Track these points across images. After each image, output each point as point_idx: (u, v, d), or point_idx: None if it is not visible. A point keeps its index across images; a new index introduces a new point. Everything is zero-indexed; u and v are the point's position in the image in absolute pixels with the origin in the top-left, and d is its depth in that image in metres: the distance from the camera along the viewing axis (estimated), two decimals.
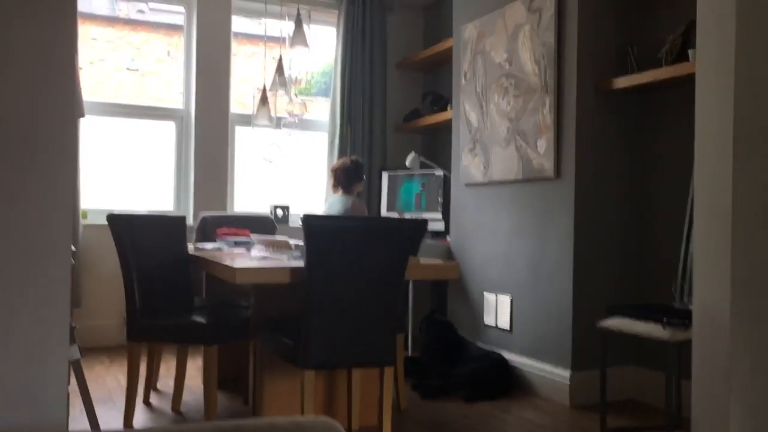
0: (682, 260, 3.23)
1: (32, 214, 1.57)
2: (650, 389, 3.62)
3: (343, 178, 4.35)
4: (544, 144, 3.79)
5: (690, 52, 3.26)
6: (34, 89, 1.58)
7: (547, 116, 3.77)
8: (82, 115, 3.28)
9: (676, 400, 3.21)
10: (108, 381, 3.87)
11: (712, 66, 2.54)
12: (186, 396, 3.58)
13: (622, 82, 3.57)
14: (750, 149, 2.49)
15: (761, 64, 2.51)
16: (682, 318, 2.84)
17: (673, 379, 3.09)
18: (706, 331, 2.53)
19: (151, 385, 3.56)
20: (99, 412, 3.23)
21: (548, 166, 3.76)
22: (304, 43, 4.09)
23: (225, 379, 3.74)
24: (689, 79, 3.10)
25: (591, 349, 3.56)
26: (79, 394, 2.70)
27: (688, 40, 3.36)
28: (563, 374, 3.64)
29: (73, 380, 2.79)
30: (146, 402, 3.50)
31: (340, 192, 4.39)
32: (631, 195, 3.78)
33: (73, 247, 2.89)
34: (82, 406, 2.63)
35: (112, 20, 5.20)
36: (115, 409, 3.34)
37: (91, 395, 3.21)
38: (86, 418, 2.65)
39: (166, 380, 3.88)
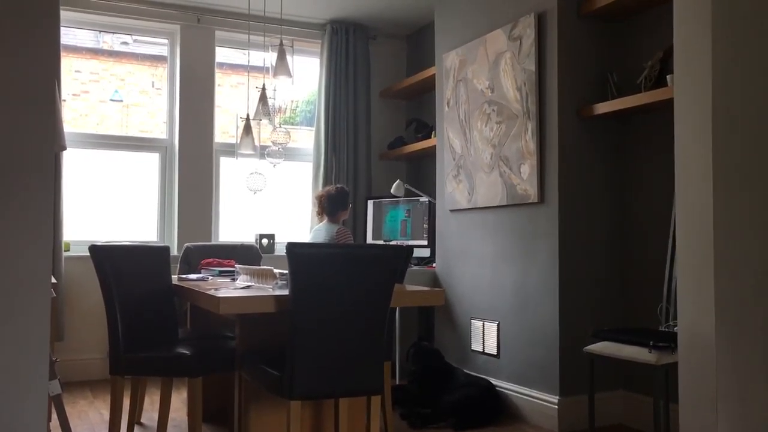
0: (667, 283, 3.24)
1: (10, 247, 1.56)
2: (639, 413, 3.61)
3: (328, 205, 4.36)
4: (527, 169, 3.82)
5: (668, 77, 3.32)
6: (12, 122, 1.57)
7: (529, 142, 3.80)
8: (64, 148, 3.26)
9: (665, 424, 3.19)
10: (91, 415, 3.80)
11: (689, 91, 2.57)
12: (171, 429, 3.52)
13: (602, 107, 3.61)
14: (729, 172, 2.52)
15: (737, 88, 2.55)
16: (668, 341, 2.85)
17: (661, 403, 3.09)
18: (691, 353, 2.53)
19: (134, 419, 3.50)
20: None
21: (532, 191, 3.78)
22: (287, 72, 4.11)
23: (211, 411, 3.68)
24: (668, 104, 3.14)
25: (579, 374, 3.55)
26: (60, 430, 2.65)
27: (666, 65, 3.42)
28: (551, 400, 3.62)
29: (55, 417, 2.74)
30: None
31: (325, 220, 4.39)
32: (614, 218, 3.81)
33: (54, 280, 2.85)
34: None
35: (96, 52, 5.21)
36: None
37: (75, 430, 3.16)
38: None
39: (150, 414, 3.82)
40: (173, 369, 3.02)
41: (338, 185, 4.54)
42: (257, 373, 2.73)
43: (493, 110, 4.10)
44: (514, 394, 3.87)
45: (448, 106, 4.58)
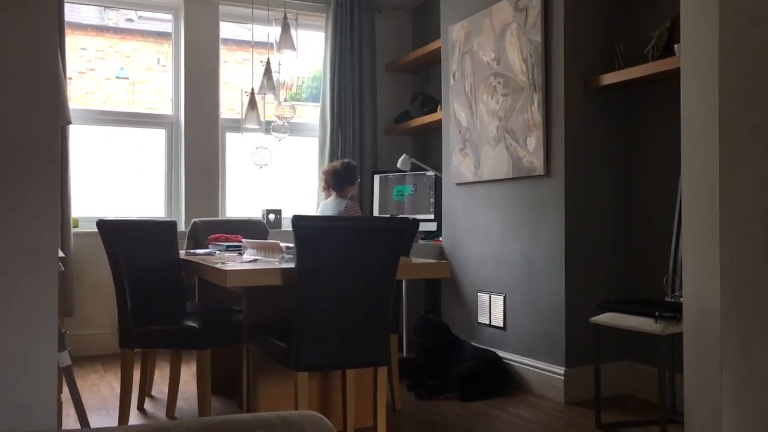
0: (673, 254, 3.24)
1: (17, 220, 1.57)
2: (644, 384, 3.63)
3: (333, 181, 4.35)
4: (533, 142, 3.80)
5: (675, 47, 3.28)
6: (15, 96, 1.58)
7: (535, 114, 3.78)
8: (69, 122, 3.27)
9: (670, 394, 3.21)
10: (102, 389, 3.86)
11: (696, 60, 2.55)
12: (180, 402, 3.57)
13: (609, 78, 3.58)
14: (736, 143, 2.51)
15: (745, 57, 2.52)
16: (674, 311, 2.86)
17: (667, 373, 3.10)
18: (696, 323, 2.54)
19: (145, 391, 3.55)
20: (93, 419, 3.22)
21: (538, 163, 3.77)
22: (292, 46, 4.10)
23: (220, 384, 3.73)
24: (675, 74, 3.11)
25: (584, 345, 3.57)
26: (71, 402, 2.69)
27: (673, 35, 3.38)
28: (557, 371, 3.65)
29: (66, 389, 2.78)
30: (140, 408, 3.49)
31: (333, 195, 4.38)
32: (620, 190, 3.80)
33: (62, 254, 2.88)
34: (76, 416, 2.62)
35: (101, 29, 5.20)
36: (110, 416, 3.33)
37: (86, 403, 3.21)
38: (79, 426, 2.64)
39: (160, 386, 3.87)
40: (182, 341, 3.06)
41: (345, 160, 4.53)
42: (264, 345, 2.76)
43: (499, 82, 4.07)
44: (520, 365, 3.90)
45: (453, 79, 4.55)
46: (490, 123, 4.16)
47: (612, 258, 3.77)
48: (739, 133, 2.51)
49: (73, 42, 4.98)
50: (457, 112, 4.51)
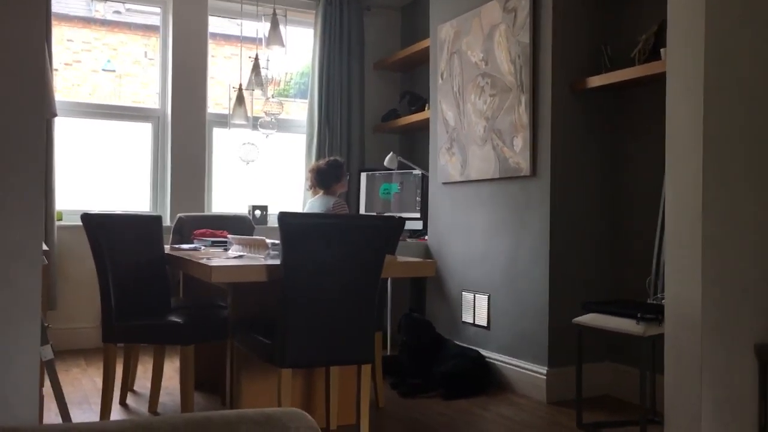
0: (656, 256, 3.27)
1: (0, 213, 1.56)
2: (626, 385, 3.66)
3: (318, 179, 4.29)
4: (520, 142, 3.82)
5: (662, 51, 3.31)
6: (2, 89, 1.57)
7: (522, 115, 3.80)
8: (55, 115, 3.25)
9: (651, 395, 3.25)
10: (84, 383, 3.84)
11: (682, 64, 2.58)
12: (163, 397, 3.56)
13: (596, 81, 3.61)
14: (719, 147, 2.53)
15: (730, 62, 2.55)
16: (656, 313, 2.88)
17: (648, 374, 3.13)
18: (678, 325, 2.56)
19: (127, 386, 3.54)
20: (75, 413, 3.20)
21: (524, 164, 3.79)
22: (280, 42, 4.09)
23: (203, 381, 3.72)
24: (662, 78, 3.14)
25: (567, 345, 3.59)
26: (53, 396, 2.68)
27: (660, 39, 3.41)
28: (540, 370, 3.67)
29: (48, 383, 2.76)
30: (123, 403, 3.47)
31: (320, 193, 4.35)
32: (606, 192, 3.83)
33: (46, 247, 2.86)
34: (58, 409, 2.60)
35: (88, 21, 5.16)
36: (91, 411, 3.31)
37: (68, 398, 3.18)
38: (60, 420, 2.62)
39: (143, 382, 3.86)
40: (165, 336, 3.05)
41: (331, 158, 4.50)
42: (249, 341, 2.75)
43: (487, 83, 4.09)
44: (503, 364, 3.92)
45: (442, 79, 4.56)
46: (477, 123, 4.17)
47: (596, 259, 3.80)
48: (723, 137, 2.54)
49: (59, 33, 4.95)
50: (444, 112, 4.52)
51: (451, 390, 3.69)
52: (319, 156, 5.34)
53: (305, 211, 4.57)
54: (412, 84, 5.71)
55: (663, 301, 2.84)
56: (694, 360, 2.50)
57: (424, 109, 5.12)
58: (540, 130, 3.73)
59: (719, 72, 2.53)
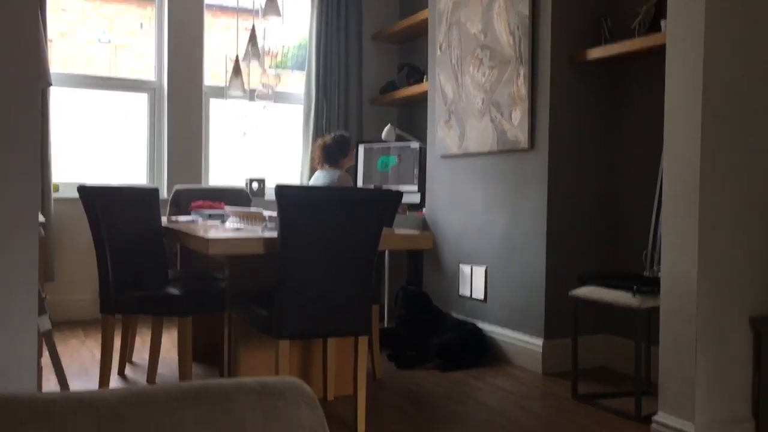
0: (653, 229, 3.27)
1: None
2: (621, 356, 3.69)
3: (324, 155, 4.30)
4: (518, 115, 3.80)
5: (662, 22, 3.28)
6: None
7: (521, 87, 3.78)
8: (49, 84, 3.22)
9: (646, 367, 3.27)
10: (83, 354, 3.86)
11: (682, 36, 2.55)
12: (162, 368, 3.58)
13: (595, 53, 3.58)
14: (717, 120, 2.52)
15: (730, 34, 2.53)
16: (652, 286, 2.90)
17: (643, 345, 3.16)
18: (673, 298, 2.58)
19: (125, 357, 3.56)
20: (73, 384, 3.22)
21: (522, 137, 3.77)
22: (277, 12, 4.04)
23: (201, 352, 3.74)
24: (661, 50, 3.12)
25: (563, 317, 3.62)
26: (52, 367, 2.69)
27: (660, 10, 3.38)
28: (536, 343, 3.70)
29: (46, 354, 2.77)
30: (121, 374, 3.49)
31: (326, 167, 4.34)
32: (603, 165, 3.82)
33: (42, 218, 2.86)
34: (56, 380, 2.62)
35: None
36: (90, 381, 3.33)
37: (66, 369, 3.21)
38: (59, 389, 2.64)
39: (141, 353, 3.88)
40: (163, 308, 3.06)
41: (337, 133, 4.47)
42: (246, 313, 2.76)
43: (486, 55, 4.06)
44: (500, 337, 3.95)
45: (440, 51, 4.52)
46: (475, 95, 4.15)
47: (593, 232, 3.80)
48: (723, 110, 2.53)
49: (54, 3, 4.88)
50: (443, 84, 4.49)
51: (447, 362, 3.72)
52: (316, 128, 5.31)
53: (310, 184, 4.56)
54: (411, 56, 5.66)
55: (659, 273, 2.85)
56: (690, 332, 2.51)
57: (422, 82, 5.08)
58: (538, 102, 3.71)
59: (719, 44, 2.51)
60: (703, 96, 2.48)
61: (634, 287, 2.92)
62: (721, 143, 2.52)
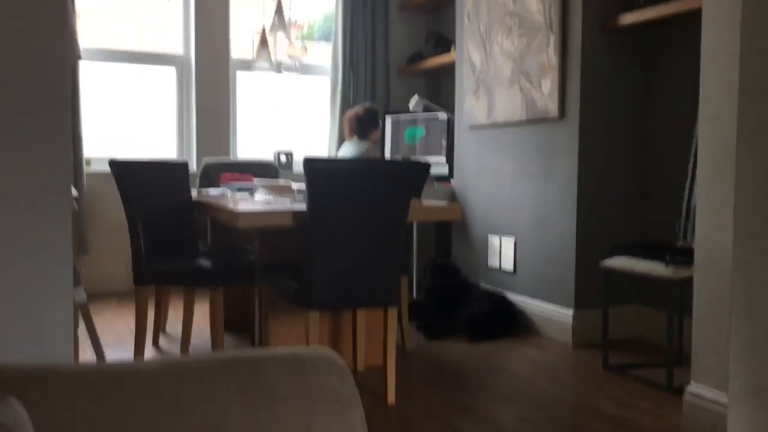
0: (686, 199, 3.22)
1: (29, 156, 1.57)
2: (652, 327, 3.66)
3: (356, 126, 4.33)
4: (548, 84, 3.74)
5: None
6: (26, 31, 1.56)
7: (551, 56, 3.71)
8: (79, 57, 3.24)
9: (678, 337, 3.24)
10: (118, 325, 3.94)
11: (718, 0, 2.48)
12: (195, 339, 3.64)
13: (628, 18, 3.49)
14: (756, 87, 2.45)
15: None
16: (685, 256, 2.85)
17: (675, 316, 3.12)
18: (707, 268, 2.54)
19: (159, 328, 3.62)
20: (109, 354, 3.29)
21: (552, 106, 3.72)
22: None
23: (232, 323, 3.79)
24: (697, 14, 3.03)
25: (594, 288, 3.59)
26: (88, 338, 2.75)
27: None
28: (566, 313, 3.68)
29: (82, 326, 2.83)
30: (155, 344, 3.56)
31: (354, 138, 4.35)
32: (636, 134, 3.75)
33: (76, 192, 2.90)
34: (93, 350, 2.67)
35: None
36: (125, 351, 3.40)
37: (102, 339, 3.27)
38: (96, 360, 2.70)
39: (174, 325, 3.94)
40: (195, 279, 3.10)
41: (366, 104, 4.47)
42: (276, 284, 2.79)
43: (515, 23, 3.99)
44: (529, 307, 3.93)
45: (468, 19, 4.46)
46: (504, 65, 4.08)
47: (624, 202, 3.75)
48: (761, 77, 2.46)
49: None
50: (471, 53, 4.43)
51: (477, 332, 3.72)
52: (344, 99, 5.29)
53: (339, 155, 4.57)
54: (438, 25, 5.59)
55: (693, 244, 2.80)
56: (723, 303, 2.48)
57: (449, 51, 5.02)
58: (569, 71, 3.64)
59: (757, 5, 2.42)
60: (741, 62, 2.41)
61: (667, 257, 2.88)
62: (759, 111, 2.46)
